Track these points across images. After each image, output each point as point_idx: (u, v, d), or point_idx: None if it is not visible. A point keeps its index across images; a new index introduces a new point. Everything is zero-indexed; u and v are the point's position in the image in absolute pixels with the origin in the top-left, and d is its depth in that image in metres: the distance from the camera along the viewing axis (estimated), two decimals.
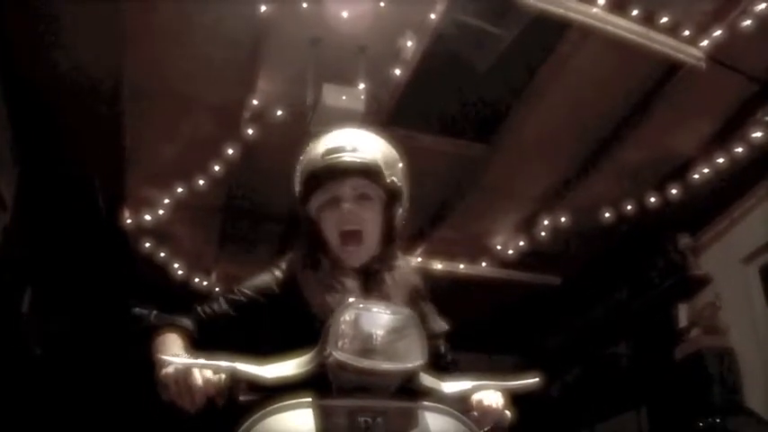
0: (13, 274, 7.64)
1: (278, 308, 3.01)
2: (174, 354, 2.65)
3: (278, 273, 3.11)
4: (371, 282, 3.04)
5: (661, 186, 7.96)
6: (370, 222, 3.05)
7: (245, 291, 3.07)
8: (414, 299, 3.10)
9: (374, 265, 3.09)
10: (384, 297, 2.91)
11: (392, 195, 3.08)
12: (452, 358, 3.19)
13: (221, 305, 3.05)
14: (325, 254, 3.08)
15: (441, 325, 3.19)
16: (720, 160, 7.50)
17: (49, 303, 9.16)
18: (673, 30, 6.37)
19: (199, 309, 3.06)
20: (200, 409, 2.59)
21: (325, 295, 2.91)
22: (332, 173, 3.00)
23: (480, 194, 8.53)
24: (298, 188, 3.13)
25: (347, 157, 2.99)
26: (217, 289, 9.23)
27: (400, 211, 3.14)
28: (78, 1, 6.00)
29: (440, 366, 2.97)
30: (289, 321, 2.88)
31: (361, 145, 3.04)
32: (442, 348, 3.16)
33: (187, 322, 2.97)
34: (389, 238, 3.15)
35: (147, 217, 7.94)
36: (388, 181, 3.04)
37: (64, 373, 9.24)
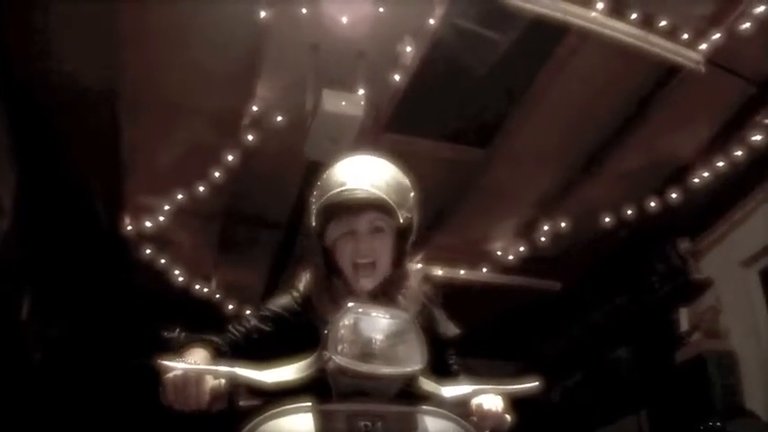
0: (12, 280, 7.64)
1: (300, 325, 3.05)
2: (177, 359, 2.65)
3: (296, 294, 3.18)
4: (382, 301, 3.05)
5: (661, 190, 7.96)
6: (383, 253, 3.12)
7: (272, 307, 3.15)
8: (425, 307, 3.17)
9: (385, 287, 3.15)
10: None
11: (404, 225, 3.13)
12: (459, 366, 3.21)
13: (251, 321, 3.11)
14: (338, 277, 3.15)
15: (452, 330, 3.22)
16: (720, 164, 7.50)
17: (48, 309, 9.17)
18: (672, 33, 6.37)
19: (231, 327, 3.11)
20: (200, 414, 2.60)
21: None
22: (348, 207, 3.05)
23: (479, 200, 8.53)
24: (314, 219, 3.15)
25: (363, 193, 3.03)
26: (218, 295, 9.27)
27: (411, 238, 3.20)
28: (75, 7, 6.00)
29: (446, 372, 3.02)
30: (309, 338, 2.85)
31: (376, 178, 3.07)
32: (450, 355, 3.20)
33: (215, 338, 2.99)
34: (399, 263, 3.20)
35: (148, 223, 7.95)
36: (402, 220, 3.07)
37: (63, 379, 9.25)
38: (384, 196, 3.03)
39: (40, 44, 6.40)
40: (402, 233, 3.16)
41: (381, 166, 3.16)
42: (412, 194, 3.17)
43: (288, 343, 2.93)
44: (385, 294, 3.12)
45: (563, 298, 10.06)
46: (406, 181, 3.17)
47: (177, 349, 2.81)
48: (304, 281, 3.22)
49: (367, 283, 3.11)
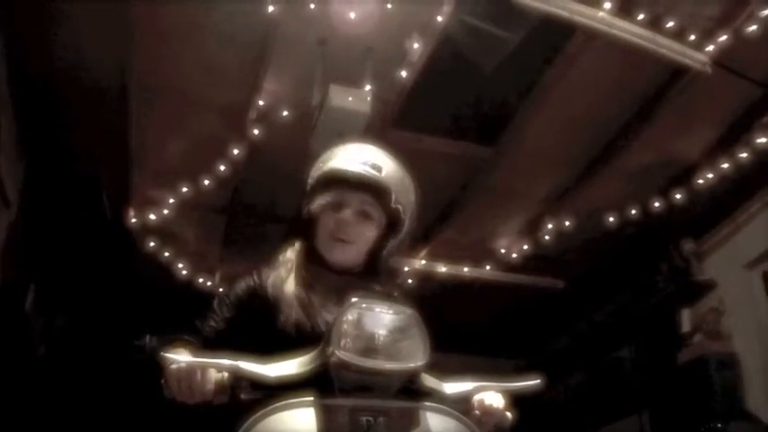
0: (16, 272, 7.65)
1: (254, 314, 3.04)
2: (178, 353, 2.66)
3: (257, 278, 3.15)
4: (355, 285, 3.04)
5: (665, 191, 7.96)
6: (363, 240, 3.13)
7: (231, 294, 3.13)
8: None
9: (351, 284, 3.07)
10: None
11: (392, 224, 3.14)
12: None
13: (215, 313, 3.09)
14: (310, 262, 3.14)
15: None
16: (725, 165, 7.49)
17: (52, 301, 9.18)
18: (679, 34, 6.36)
19: (197, 323, 3.08)
20: (202, 407, 2.61)
21: (296, 311, 2.98)
22: (347, 180, 3.06)
23: (485, 197, 8.54)
24: (310, 182, 3.18)
25: (366, 172, 3.05)
26: (221, 289, 9.24)
27: (393, 243, 3.18)
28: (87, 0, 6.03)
29: None
30: (261, 328, 2.94)
31: (384, 166, 3.11)
32: None
33: (187, 337, 2.98)
34: (373, 263, 3.20)
35: (152, 216, 7.95)
36: (393, 207, 3.09)
37: (67, 372, 9.27)
38: (384, 184, 3.06)
39: (51, 35, 6.41)
40: (388, 231, 3.16)
41: (392, 160, 3.16)
42: (413, 198, 3.18)
43: (252, 327, 2.97)
44: (360, 279, 3.12)
45: (566, 296, 10.08)
46: (411, 185, 3.19)
47: (150, 353, 2.81)
48: (272, 265, 3.20)
49: (340, 254, 3.12)
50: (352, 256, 3.13)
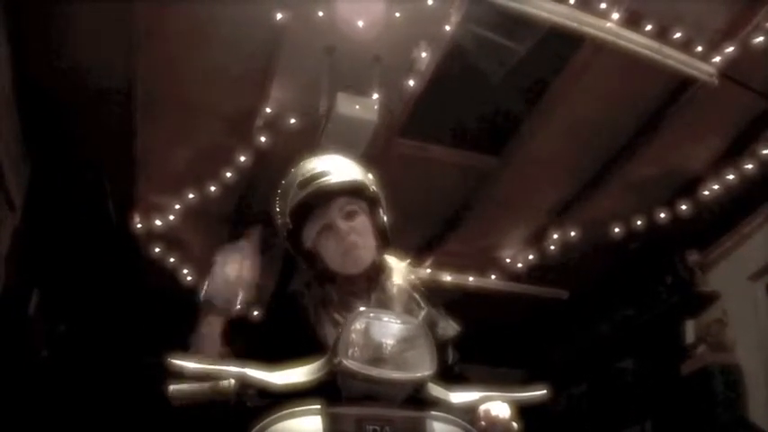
0: (20, 276, 7.66)
1: (288, 344, 2.90)
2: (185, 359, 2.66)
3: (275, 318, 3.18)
4: (375, 293, 3.09)
5: (670, 202, 7.95)
6: (366, 235, 3.12)
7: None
8: (419, 304, 3.11)
9: (373, 273, 3.14)
10: (389, 305, 3.00)
11: (373, 204, 3.18)
12: (460, 370, 3.17)
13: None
14: (331, 283, 3.13)
15: (452, 328, 3.17)
16: (730, 177, 7.48)
17: (55, 306, 9.18)
18: (685, 45, 6.36)
19: None
20: (208, 414, 2.61)
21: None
22: (316, 200, 3.08)
23: (490, 207, 8.54)
24: (286, 227, 3.15)
25: (327, 181, 3.08)
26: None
27: (384, 215, 3.20)
28: (92, 6, 6.02)
29: (447, 375, 2.96)
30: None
31: (333, 166, 3.15)
32: (450, 358, 3.13)
33: None
34: (384, 244, 3.20)
35: (158, 222, 7.94)
36: (371, 190, 3.16)
37: (70, 376, 9.26)
38: (347, 179, 3.11)
39: (57, 42, 6.43)
40: (375, 214, 3.18)
41: (335, 157, 3.26)
42: (370, 175, 3.23)
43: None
44: (374, 280, 3.13)
45: (570, 307, 10.07)
46: (360, 164, 3.24)
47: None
48: (286, 297, 3.23)
49: (356, 262, 3.10)
50: (366, 256, 3.12)
